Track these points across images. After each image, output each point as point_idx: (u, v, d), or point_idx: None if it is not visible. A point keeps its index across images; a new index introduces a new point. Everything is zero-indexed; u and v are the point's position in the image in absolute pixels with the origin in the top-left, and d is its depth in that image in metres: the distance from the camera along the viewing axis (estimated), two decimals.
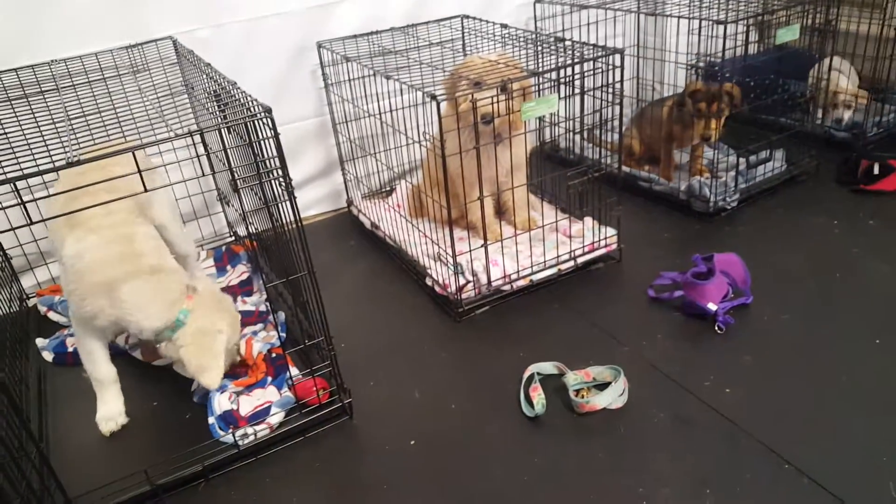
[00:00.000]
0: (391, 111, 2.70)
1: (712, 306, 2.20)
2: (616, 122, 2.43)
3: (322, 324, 1.89)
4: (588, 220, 2.66)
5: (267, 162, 1.66)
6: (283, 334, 2.25)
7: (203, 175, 1.87)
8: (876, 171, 2.95)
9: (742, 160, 2.93)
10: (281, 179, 1.67)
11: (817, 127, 3.31)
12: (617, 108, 2.40)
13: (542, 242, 2.57)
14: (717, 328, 2.19)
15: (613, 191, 2.53)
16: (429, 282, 2.52)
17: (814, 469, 1.69)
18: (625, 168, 3.09)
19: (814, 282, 2.40)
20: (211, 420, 1.97)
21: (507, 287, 2.44)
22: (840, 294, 2.33)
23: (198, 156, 1.58)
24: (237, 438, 1.88)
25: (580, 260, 2.54)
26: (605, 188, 2.53)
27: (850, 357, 2.04)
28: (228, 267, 2.80)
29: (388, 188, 3.21)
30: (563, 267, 2.53)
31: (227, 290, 2.59)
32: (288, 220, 1.75)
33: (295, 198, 1.70)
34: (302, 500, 1.79)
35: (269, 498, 1.80)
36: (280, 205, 1.73)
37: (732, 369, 2.04)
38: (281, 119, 1.70)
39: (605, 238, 2.58)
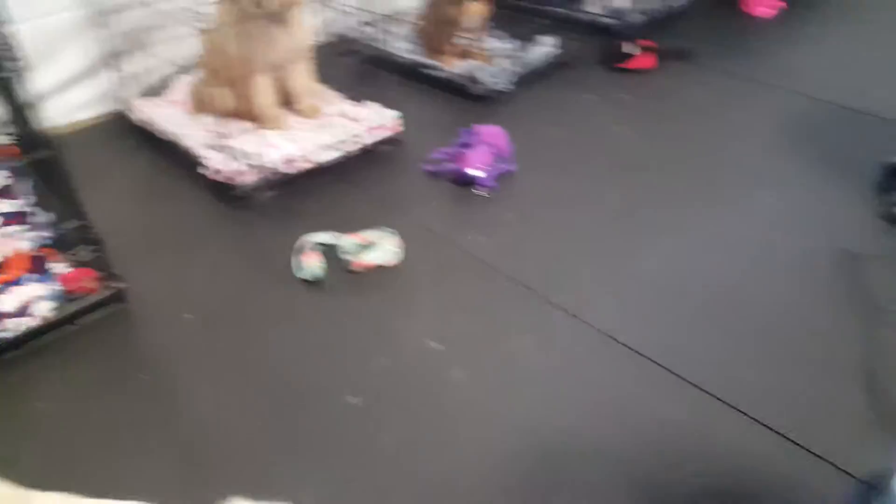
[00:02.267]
0: None
1: (477, 173, 2.37)
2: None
3: (77, 207, 1.84)
4: (371, 104, 2.73)
5: None
6: (50, 234, 2.16)
7: None
8: (631, 52, 3.25)
9: (515, 46, 3.11)
10: None
11: (586, 14, 3.57)
12: None
13: (327, 128, 2.61)
14: (482, 192, 2.38)
15: (395, 75, 2.62)
16: (205, 171, 2.49)
17: (551, 291, 1.94)
18: (412, 56, 3.19)
19: (570, 148, 2.66)
20: None
21: (289, 171, 2.47)
22: (589, 156, 2.60)
23: None
24: None
25: (365, 142, 2.62)
26: (386, 73, 2.60)
27: (589, 203, 2.31)
28: None
29: (166, 86, 3.08)
30: (349, 149, 2.60)
31: None
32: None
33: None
34: (76, 383, 1.78)
35: (39, 383, 1.77)
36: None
37: (491, 223, 2.25)
38: (33, 12, 1.57)
39: (389, 120, 2.67)
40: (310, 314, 1.95)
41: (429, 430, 1.59)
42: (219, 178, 2.42)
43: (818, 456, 1.47)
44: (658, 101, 2.99)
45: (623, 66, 3.22)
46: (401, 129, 2.71)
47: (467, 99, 3.05)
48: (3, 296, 1.96)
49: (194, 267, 2.14)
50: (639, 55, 3.22)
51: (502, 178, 2.47)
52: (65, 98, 2.88)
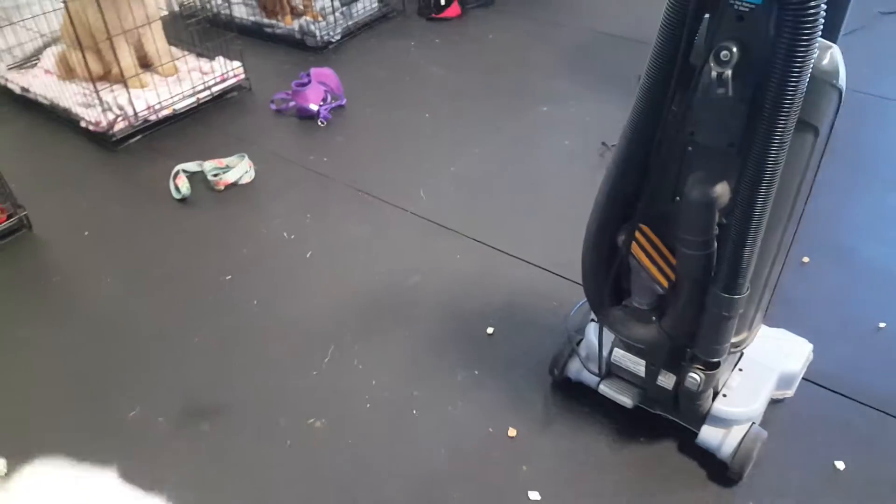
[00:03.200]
0: None
1: (313, 106, 2.93)
2: None
3: None
4: (219, 57, 3.19)
5: None
6: None
7: None
8: (443, 2, 3.87)
9: (339, 3, 3.66)
10: None
11: None
12: None
13: (183, 81, 3.06)
14: (319, 122, 2.94)
15: (239, 35, 3.10)
16: (83, 124, 2.90)
17: (382, 193, 2.55)
18: (254, 17, 3.67)
19: (392, 85, 3.26)
20: None
21: (153, 117, 2.92)
22: (408, 90, 3.22)
23: None
24: None
25: (214, 89, 3.10)
26: (224, 31, 3.08)
27: (409, 127, 2.93)
28: None
29: (35, 59, 3.38)
30: (201, 96, 3.07)
31: None
32: None
33: None
34: None
35: None
36: None
37: (329, 146, 2.83)
38: None
39: (233, 70, 3.15)
40: (186, 223, 2.46)
41: (287, 290, 2.17)
42: (97, 129, 2.84)
43: (569, 279, 2.18)
44: (466, 43, 3.64)
45: (437, 16, 3.84)
46: (244, 76, 3.20)
47: (304, 50, 3.58)
48: None
49: (86, 199, 2.59)
50: (448, 5, 3.85)
51: (335, 111, 3.04)
52: None
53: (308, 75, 3.03)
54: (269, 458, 1.68)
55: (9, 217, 2.40)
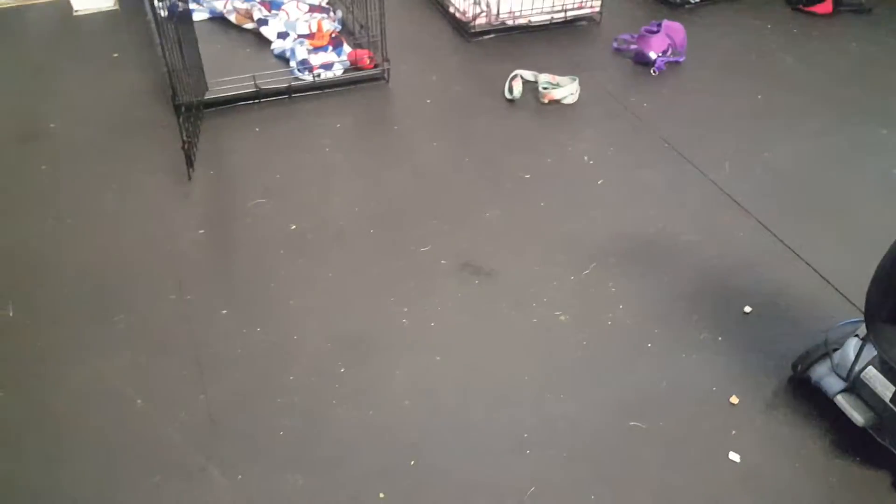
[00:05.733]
0: None
1: (653, 54, 3.04)
2: None
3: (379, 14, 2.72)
4: None
5: None
6: (340, 25, 3.09)
7: None
8: None
9: None
10: None
11: None
12: None
13: None
14: (652, 71, 3.05)
15: None
16: (451, 10, 3.31)
17: (681, 147, 2.63)
18: None
19: (734, 58, 3.25)
20: (292, 64, 2.85)
21: (510, 21, 3.24)
22: (749, 68, 3.18)
23: None
24: (314, 76, 2.77)
25: (569, 14, 3.34)
26: None
27: (737, 102, 2.94)
28: None
29: None
30: (556, 17, 3.32)
31: None
32: None
33: None
34: (344, 125, 2.71)
35: (326, 116, 2.72)
36: None
37: (654, 95, 2.94)
38: None
39: (591, 1, 3.35)
40: (508, 121, 2.76)
41: (573, 204, 2.38)
42: (462, 17, 3.24)
43: (846, 296, 2.13)
44: (826, 42, 3.45)
45: (806, 8, 3.67)
46: (598, 10, 3.38)
47: (662, 2, 3.66)
48: (315, 55, 2.91)
49: (436, 73, 3.01)
50: (825, 2, 3.65)
51: (671, 65, 3.13)
52: None
53: (659, 25, 3.12)
54: (515, 325, 1.95)
55: (375, 66, 2.89)
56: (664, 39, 3.07)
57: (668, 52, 3.11)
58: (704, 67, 3.15)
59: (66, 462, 1.60)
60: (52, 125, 2.66)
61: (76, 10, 3.39)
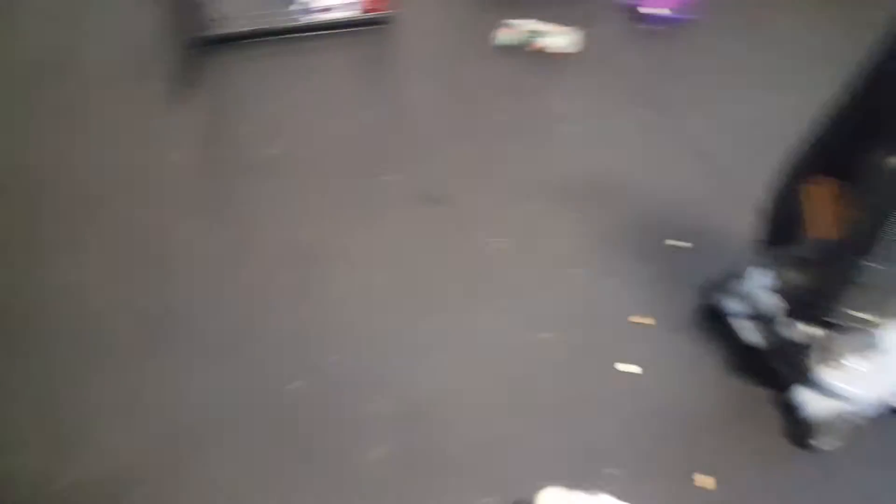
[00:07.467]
0: None
1: (654, 10, 3.07)
2: None
3: None
4: None
5: None
6: None
7: None
8: None
9: None
10: None
11: None
12: None
13: None
14: (647, 28, 3.08)
15: None
16: None
17: (660, 109, 2.68)
18: None
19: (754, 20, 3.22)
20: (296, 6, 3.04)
21: None
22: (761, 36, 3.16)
23: None
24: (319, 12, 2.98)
25: None
26: None
27: (735, 75, 2.93)
28: None
29: None
30: None
31: None
32: None
33: None
34: (340, 64, 2.92)
35: (324, 55, 2.92)
36: None
37: (645, 52, 2.99)
38: None
39: None
40: (497, 64, 2.88)
41: (543, 149, 2.49)
42: None
43: None
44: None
45: None
46: None
47: None
48: None
49: (437, 18, 3.17)
50: None
51: (673, 23, 3.11)
52: None
53: None
54: (457, 248, 2.11)
55: (384, 9, 3.04)
56: None
57: (674, 10, 3.10)
58: (722, 27, 3.10)
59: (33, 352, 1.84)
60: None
61: None
